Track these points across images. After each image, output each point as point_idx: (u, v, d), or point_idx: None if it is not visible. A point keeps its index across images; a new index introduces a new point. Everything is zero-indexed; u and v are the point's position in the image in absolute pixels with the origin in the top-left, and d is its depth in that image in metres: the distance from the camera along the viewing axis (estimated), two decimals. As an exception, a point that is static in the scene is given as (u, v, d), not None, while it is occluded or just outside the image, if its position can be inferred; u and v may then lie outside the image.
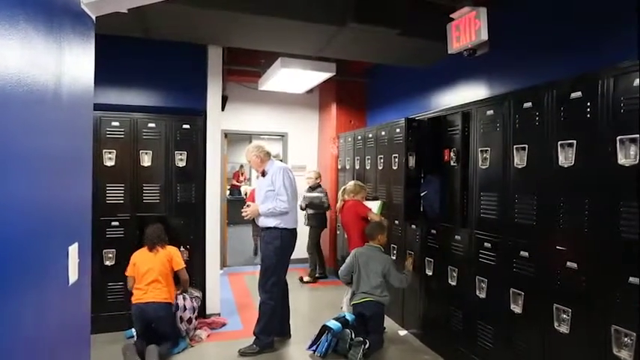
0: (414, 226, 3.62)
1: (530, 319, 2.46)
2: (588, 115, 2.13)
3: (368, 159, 4.42)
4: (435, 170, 3.28)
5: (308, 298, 4.99)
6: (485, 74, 3.43)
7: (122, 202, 3.70)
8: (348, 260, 3.48)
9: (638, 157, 1.90)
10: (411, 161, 3.43)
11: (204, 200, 4.04)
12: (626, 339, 1.92)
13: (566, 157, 2.24)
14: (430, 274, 3.39)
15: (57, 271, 1.12)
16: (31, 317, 0.94)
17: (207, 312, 4.00)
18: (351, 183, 3.94)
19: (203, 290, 3.97)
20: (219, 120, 4.26)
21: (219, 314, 4.07)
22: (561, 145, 2.26)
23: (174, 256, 3.37)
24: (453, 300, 3.13)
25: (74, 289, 1.22)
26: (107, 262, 3.63)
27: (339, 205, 4.09)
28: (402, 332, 3.73)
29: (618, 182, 1.98)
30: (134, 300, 3.16)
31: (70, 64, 1.17)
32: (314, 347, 3.23)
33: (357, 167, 4.66)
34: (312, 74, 4.47)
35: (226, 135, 6.09)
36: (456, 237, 3.07)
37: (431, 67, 4.07)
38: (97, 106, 3.70)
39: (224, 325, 3.92)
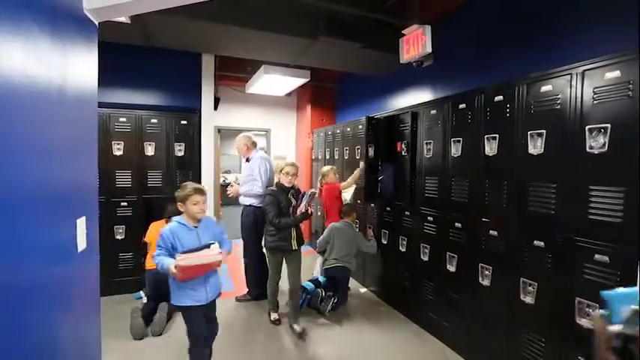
0: (372, 205, 3.68)
1: (461, 277, 2.55)
2: (508, 115, 2.20)
3: (336, 150, 4.44)
4: (390, 159, 3.32)
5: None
6: (431, 82, 3.48)
7: (130, 185, 3.60)
8: (325, 233, 3.49)
9: (543, 147, 2.00)
10: (371, 152, 3.45)
11: (200, 184, 3.96)
12: (530, 287, 2.04)
13: (491, 148, 2.31)
14: (385, 243, 3.47)
15: (67, 239, 1.09)
16: (46, 278, 0.92)
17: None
18: (326, 168, 3.88)
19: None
20: (211, 117, 4.19)
21: (214, 278, 4.05)
22: (487, 138, 2.33)
23: None
24: (402, 263, 3.21)
25: (83, 256, 1.19)
26: (118, 237, 3.54)
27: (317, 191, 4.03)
28: (363, 290, 3.82)
29: (528, 168, 2.07)
30: (150, 266, 3.04)
31: (75, 64, 1.12)
32: None
33: (328, 157, 4.67)
34: (290, 80, 4.42)
35: (219, 130, 5.99)
36: (406, 213, 3.13)
37: (388, 75, 4.09)
38: (107, 104, 3.62)
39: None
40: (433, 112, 2.84)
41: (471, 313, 2.47)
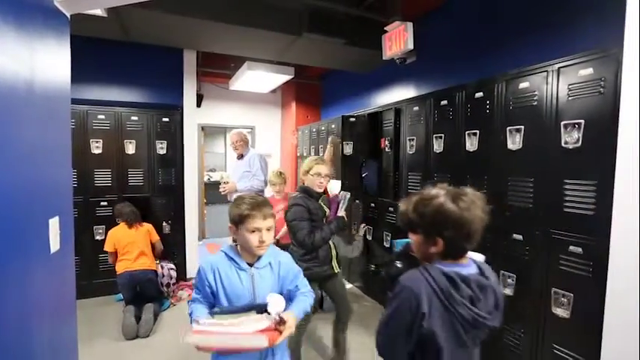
0: (357, 201, 3.69)
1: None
2: (487, 111, 2.24)
3: (321, 148, 4.43)
4: (374, 155, 3.34)
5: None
6: (414, 78, 3.50)
7: (110, 184, 3.51)
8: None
9: (521, 143, 2.04)
10: (347, 148, 3.46)
11: (182, 183, 3.91)
12: (509, 280, 2.09)
13: (471, 144, 2.35)
14: (370, 238, 3.50)
15: (39, 240, 1.05)
16: (16, 280, 0.88)
17: (188, 276, 3.90)
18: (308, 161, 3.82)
19: (184, 257, 3.89)
20: (194, 114, 4.12)
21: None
22: (468, 134, 2.37)
23: (151, 230, 3.26)
24: (384, 257, 3.24)
25: (56, 257, 1.15)
26: (97, 237, 3.45)
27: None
28: (348, 285, 3.84)
29: (507, 163, 2.11)
30: (122, 269, 2.99)
31: (44, 58, 1.08)
32: None
33: (313, 154, 4.66)
34: (274, 76, 4.37)
35: (203, 128, 5.90)
36: (389, 208, 3.16)
37: (372, 72, 4.10)
38: (84, 101, 3.51)
39: (203, 287, 3.87)
40: (416, 108, 2.86)
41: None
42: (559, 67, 1.85)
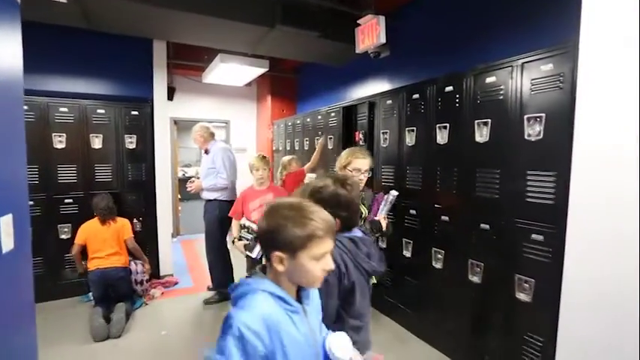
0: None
1: (416, 261, 2.64)
2: (457, 105, 2.30)
3: (297, 141, 4.41)
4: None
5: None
6: (388, 72, 3.53)
7: (75, 181, 3.35)
8: None
9: (488, 135, 2.11)
10: (330, 143, 3.47)
11: (154, 178, 3.79)
12: (477, 268, 2.17)
13: (442, 137, 2.41)
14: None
15: (-12, 240, 0.99)
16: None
17: (161, 273, 3.81)
18: (287, 158, 3.78)
19: (156, 255, 3.78)
20: (166, 108, 3.99)
21: (172, 275, 3.91)
22: (439, 127, 2.42)
23: (125, 227, 3.13)
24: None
25: (10, 257, 1.09)
26: (63, 236, 3.28)
27: (280, 182, 3.78)
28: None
29: (475, 155, 2.18)
30: (93, 266, 2.87)
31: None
32: None
33: (289, 148, 4.63)
34: (248, 69, 4.28)
35: (176, 122, 5.74)
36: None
37: (347, 66, 4.09)
38: (45, 93, 3.32)
39: (176, 283, 3.78)
40: (389, 102, 2.89)
41: (426, 295, 2.58)
42: (523, 63, 1.92)
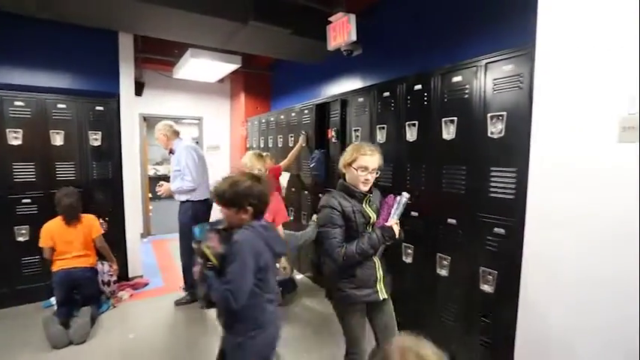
0: (306, 192, 3.71)
1: (387, 257, 2.69)
2: (425, 103, 2.34)
3: (270, 139, 4.38)
4: (321, 146, 3.35)
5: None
6: (360, 70, 3.56)
7: (34, 179, 3.15)
8: None
9: (455, 133, 2.17)
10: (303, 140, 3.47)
11: (121, 176, 3.64)
12: (445, 262, 2.24)
13: (411, 134, 2.45)
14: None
15: None
16: None
17: (130, 275, 3.68)
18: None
19: (124, 256, 3.64)
20: (133, 103, 3.83)
21: (141, 276, 3.78)
22: (408, 125, 2.46)
23: (93, 225, 2.93)
24: (336, 247, 3.29)
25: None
26: (20, 238, 3.10)
27: None
28: (299, 276, 3.86)
29: (443, 152, 2.24)
30: (58, 267, 2.70)
31: None
32: None
33: (262, 146, 4.58)
34: (220, 65, 4.19)
35: (145, 119, 5.54)
36: (337, 198, 3.22)
37: (321, 63, 4.09)
38: (-1, 85, 3.10)
39: (146, 284, 3.66)
40: (361, 99, 2.92)
41: (397, 290, 2.63)
42: (486, 63, 1.99)
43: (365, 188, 1.68)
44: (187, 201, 3.13)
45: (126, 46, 3.66)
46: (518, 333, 1.67)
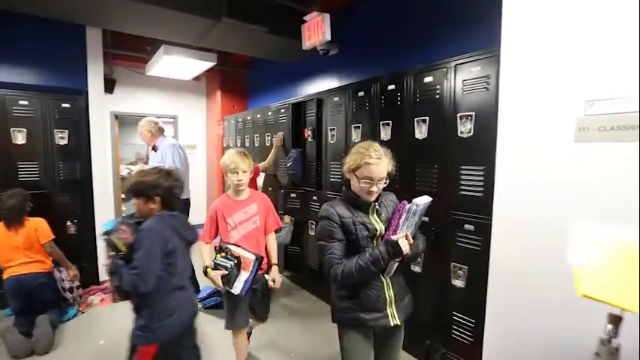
0: (282, 191, 3.68)
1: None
2: (399, 103, 2.38)
3: (247, 138, 4.32)
4: (298, 145, 3.34)
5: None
6: (336, 70, 3.57)
7: (-8, 180, 2.98)
8: None
9: (427, 132, 2.21)
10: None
11: (90, 177, 3.49)
12: (418, 259, 2.28)
13: (385, 134, 2.48)
14: (294, 228, 3.49)
15: None
16: None
17: (101, 279, 3.54)
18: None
19: (95, 259, 3.50)
20: (103, 101, 3.68)
21: (113, 279, 3.65)
22: (382, 124, 2.49)
23: (40, 229, 2.63)
24: (313, 247, 3.27)
25: None
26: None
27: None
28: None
29: (415, 151, 2.27)
30: (7, 274, 2.48)
31: None
32: (204, 302, 3.10)
33: (239, 145, 4.52)
34: (195, 62, 4.08)
35: (117, 117, 5.34)
36: (314, 197, 3.21)
37: (298, 62, 4.07)
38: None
39: (119, 288, 3.53)
40: (336, 99, 2.92)
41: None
42: (455, 65, 2.04)
43: (371, 198, 1.44)
44: None
45: (94, 40, 3.52)
46: (487, 327, 1.72)
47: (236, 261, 1.84)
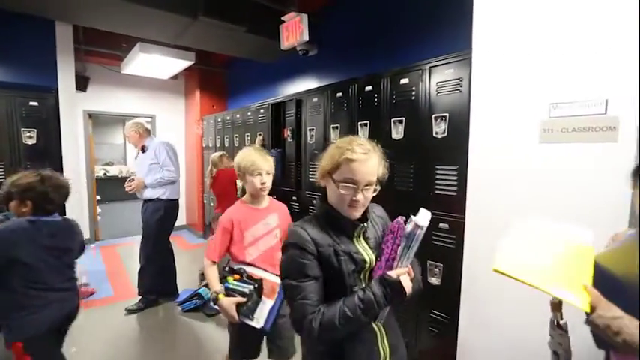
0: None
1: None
2: (376, 104, 2.39)
3: (227, 138, 4.26)
4: (277, 145, 3.32)
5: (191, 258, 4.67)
6: (316, 70, 3.56)
7: (-47, 182, 2.82)
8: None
9: (403, 133, 2.24)
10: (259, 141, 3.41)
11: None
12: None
13: (363, 134, 2.49)
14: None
15: None
16: None
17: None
18: (217, 155, 3.68)
19: (66, 264, 3.37)
20: (75, 99, 3.55)
21: (87, 285, 3.51)
22: (360, 124, 2.50)
23: None
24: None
25: None
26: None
27: (209, 180, 3.64)
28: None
29: (393, 151, 2.28)
30: None
31: None
32: (183, 304, 3.03)
33: (219, 145, 4.45)
34: (172, 61, 4.00)
35: (91, 116, 5.15)
36: (293, 198, 3.20)
37: (277, 62, 4.05)
38: None
39: (92, 294, 3.41)
40: (315, 99, 2.92)
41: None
42: (430, 67, 2.07)
43: (355, 214, 1.02)
44: (158, 200, 2.96)
45: (64, 36, 3.39)
46: (460, 323, 1.75)
47: (256, 285, 1.46)
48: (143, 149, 3.04)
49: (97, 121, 9.12)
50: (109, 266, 4.23)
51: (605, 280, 0.81)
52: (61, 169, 3.34)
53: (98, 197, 5.57)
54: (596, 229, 0.92)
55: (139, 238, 3.07)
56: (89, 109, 5.01)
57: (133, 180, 2.96)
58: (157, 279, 3.04)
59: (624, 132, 1.17)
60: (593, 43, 1.25)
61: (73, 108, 3.50)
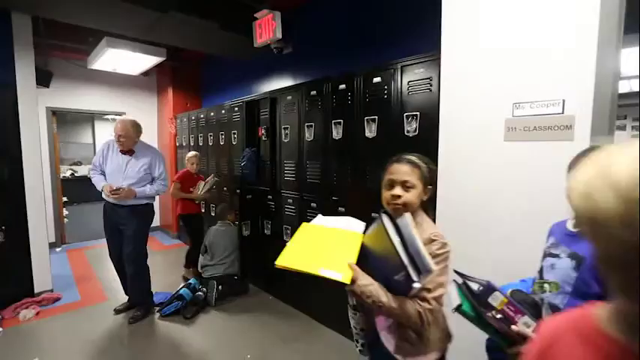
0: (239, 191, 3.58)
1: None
2: (349, 102, 2.39)
3: (201, 136, 4.15)
4: (252, 144, 3.26)
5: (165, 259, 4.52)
6: (291, 68, 3.52)
7: None
8: (206, 237, 3.38)
9: (376, 131, 2.25)
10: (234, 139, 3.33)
11: (22, 179, 3.15)
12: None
13: (337, 132, 2.49)
14: (250, 228, 3.40)
15: None
16: None
17: (36, 290, 3.21)
18: (192, 154, 3.67)
19: (29, 269, 3.18)
20: (35, 95, 3.32)
21: (51, 290, 3.33)
22: (334, 123, 2.49)
23: None
24: (269, 247, 3.17)
25: None
26: None
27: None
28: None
29: (366, 149, 2.30)
30: None
31: None
32: (163, 309, 2.90)
33: (192, 144, 4.33)
34: (142, 57, 3.85)
35: (55, 113, 4.88)
36: (269, 197, 3.15)
37: (253, 60, 3.97)
38: None
39: (57, 299, 3.22)
40: (289, 98, 2.89)
41: (330, 288, 2.66)
42: (401, 66, 2.09)
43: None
44: (146, 205, 2.87)
45: (22, 29, 3.16)
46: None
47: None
48: (130, 152, 2.79)
49: (63, 119, 8.68)
50: (76, 270, 4.03)
51: (367, 256, 0.99)
52: (21, 170, 3.14)
53: (65, 198, 5.29)
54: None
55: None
56: (53, 106, 4.75)
57: (122, 189, 2.64)
58: (148, 281, 2.97)
59: (579, 130, 1.22)
60: (552, 45, 1.29)
61: (34, 105, 3.27)
